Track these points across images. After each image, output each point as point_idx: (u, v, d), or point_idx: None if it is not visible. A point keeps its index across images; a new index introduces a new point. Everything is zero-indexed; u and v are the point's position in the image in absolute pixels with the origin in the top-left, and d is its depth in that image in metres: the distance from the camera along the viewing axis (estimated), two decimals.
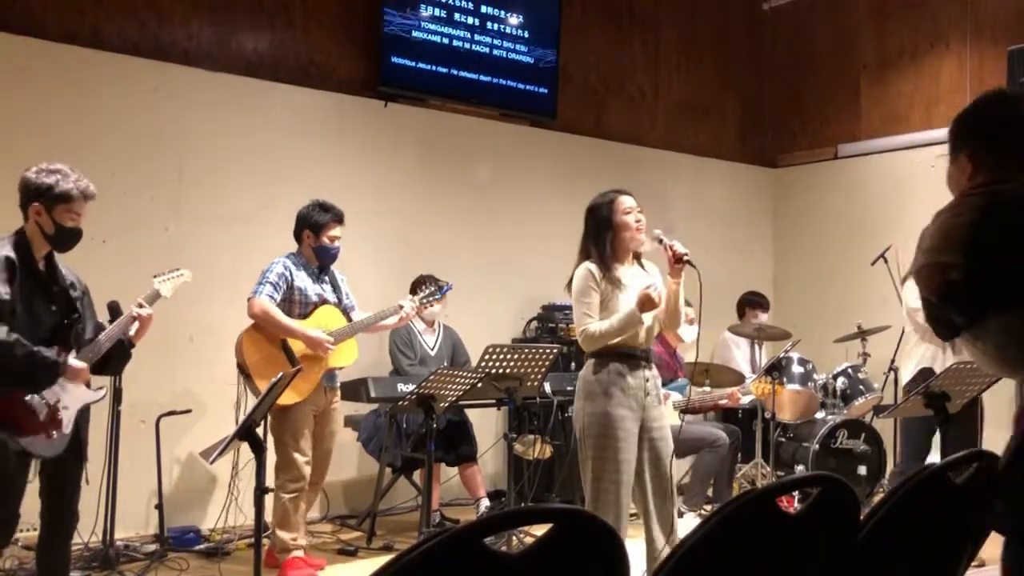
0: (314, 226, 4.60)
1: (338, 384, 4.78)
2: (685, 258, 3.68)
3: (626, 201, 3.81)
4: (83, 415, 3.45)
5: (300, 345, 4.49)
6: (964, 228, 1.97)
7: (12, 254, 3.23)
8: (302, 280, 4.57)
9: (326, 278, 4.70)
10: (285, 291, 4.51)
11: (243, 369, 4.52)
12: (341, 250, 4.77)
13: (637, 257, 3.89)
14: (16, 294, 3.20)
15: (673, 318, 3.85)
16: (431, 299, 5.00)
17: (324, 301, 4.62)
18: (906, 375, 5.00)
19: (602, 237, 3.78)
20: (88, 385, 3.50)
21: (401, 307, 4.75)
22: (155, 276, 3.85)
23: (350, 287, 4.91)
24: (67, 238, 3.37)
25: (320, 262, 4.66)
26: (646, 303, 3.62)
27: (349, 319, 4.69)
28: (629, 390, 3.68)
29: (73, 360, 3.36)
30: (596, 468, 3.66)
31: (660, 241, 3.78)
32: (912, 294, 4.83)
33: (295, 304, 4.54)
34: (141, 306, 3.61)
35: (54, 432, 3.31)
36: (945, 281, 1.97)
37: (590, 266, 3.75)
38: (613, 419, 3.64)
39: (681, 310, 3.88)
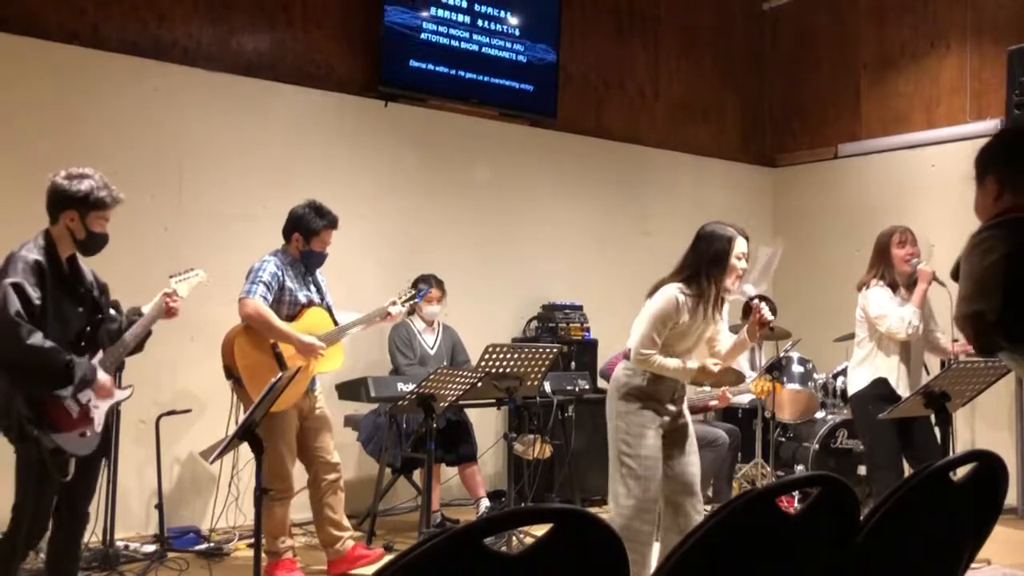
0: (306, 231, 4.47)
1: (318, 388, 4.66)
2: (769, 325, 3.73)
3: (742, 245, 3.76)
4: (111, 413, 3.51)
5: (290, 350, 4.40)
6: (994, 269, 2.05)
7: (40, 257, 3.26)
8: (291, 280, 4.47)
9: (310, 279, 4.60)
10: (276, 291, 4.41)
11: (231, 372, 4.39)
12: (342, 251, 4.75)
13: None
14: (45, 297, 3.24)
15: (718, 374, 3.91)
16: (411, 302, 4.94)
17: (311, 303, 4.53)
18: (857, 384, 4.85)
19: (713, 270, 3.71)
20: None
21: (388, 312, 4.68)
22: (171, 276, 3.81)
23: (350, 287, 4.91)
24: (97, 243, 3.42)
25: (306, 265, 4.55)
26: (705, 375, 3.78)
27: (335, 321, 4.62)
28: (661, 394, 3.77)
29: (101, 374, 3.38)
30: (630, 467, 3.71)
31: (751, 300, 3.79)
32: (874, 301, 4.75)
33: (284, 305, 4.43)
34: (169, 296, 3.61)
35: (87, 430, 3.34)
36: (985, 327, 2.06)
37: (680, 296, 3.69)
38: (647, 420, 3.72)
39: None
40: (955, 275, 2.27)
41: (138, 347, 3.63)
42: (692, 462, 3.86)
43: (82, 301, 3.41)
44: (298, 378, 4.36)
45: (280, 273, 4.44)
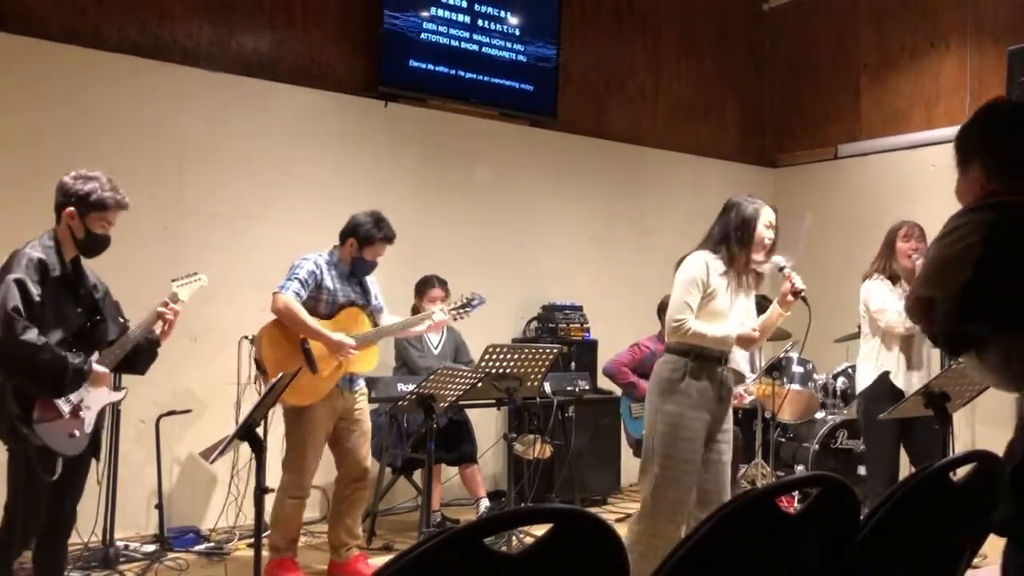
0: (363, 238, 4.50)
1: (359, 387, 4.64)
2: (802, 294, 3.70)
3: (769, 215, 3.75)
4: (101, 415, 3.49)
5: (321, 348, 4.40)
6: (965, 253, 1.95)
7: (44, 256, 3.29)
8: (331, 280, 4.49)
9: (355, 280, 4.61)
10: (313, 290, 4.43)
11: (259, 365, 4.46)
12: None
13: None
14: (45, 295, 3.25)
15: (759, 342, 3.91)
16: (462, 312, 4.82)
17: (351, 303, 4.54)
18: (863, 381, 4.85)
19: (742, 238, 3.70)
20: (109, 386, 3.53)
21: (431, 315, 4.68)
22: (173, 280, 3.80)
23: None
24: (96, 245, 3.43)
25: (354, 269, 4.58)
26: (745, 342, 3.74)
27: (375, 323, 4.62)
28: (704, 392, 3.67)
29: (96, 365, 3.38)
30: (662, 465, 3.65)
31: (781, 269, 3.78)
32: (874, 295, 4.79)
33: (321, 303, 4.46)
34: (166, 304, 3.58)
35: (76, 431, 3.34)
36: (928, 314, 1.98)
37: (708, 259, 3.68)
38: (686, 420, 3.64)
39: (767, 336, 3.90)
40: None
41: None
42: (724, 468, 3.76)
43: (81, 302, 3.43)
44: (328, 375, 4.40)
45: (319, 272, 4.46)
